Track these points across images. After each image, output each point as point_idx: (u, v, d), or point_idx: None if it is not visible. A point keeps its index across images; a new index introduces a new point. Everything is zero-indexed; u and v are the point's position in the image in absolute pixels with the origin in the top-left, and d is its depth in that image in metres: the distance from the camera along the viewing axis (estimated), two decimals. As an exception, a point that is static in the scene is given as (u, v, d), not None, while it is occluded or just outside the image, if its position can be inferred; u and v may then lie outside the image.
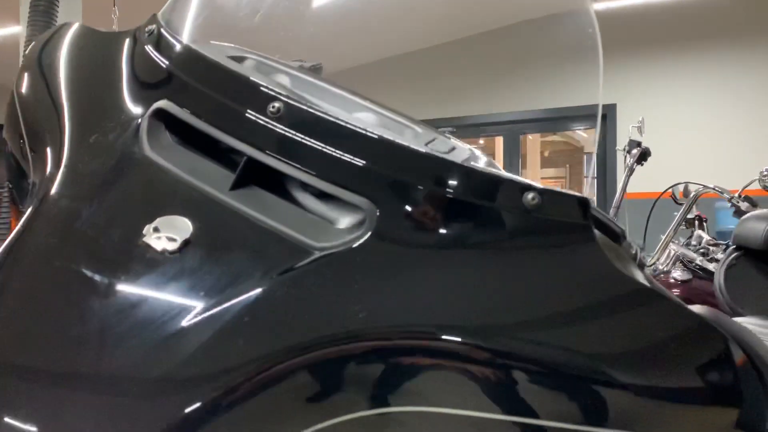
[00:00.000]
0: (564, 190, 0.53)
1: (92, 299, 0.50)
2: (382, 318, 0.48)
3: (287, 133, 0.55)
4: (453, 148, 0.65)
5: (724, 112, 5.12)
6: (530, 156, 11.23)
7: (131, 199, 0.58)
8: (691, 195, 2.54)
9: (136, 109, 0.64)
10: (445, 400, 0.48)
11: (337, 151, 0.53)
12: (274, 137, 0.55)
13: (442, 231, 0.52)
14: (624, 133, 5.27)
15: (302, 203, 0.57)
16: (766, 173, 2.40)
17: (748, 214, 1.48)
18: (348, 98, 0.72)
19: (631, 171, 2.64)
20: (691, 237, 2.86)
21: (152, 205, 0.56)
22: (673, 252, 2.54)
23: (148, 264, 0.51)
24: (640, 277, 0.56)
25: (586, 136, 9.88)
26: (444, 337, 0.47)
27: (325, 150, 0.54)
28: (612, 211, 2.72)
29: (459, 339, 0.47)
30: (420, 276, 0.50)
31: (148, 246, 0.51)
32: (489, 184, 0.53)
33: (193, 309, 0.48)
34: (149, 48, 0.67)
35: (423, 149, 0.54)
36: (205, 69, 0.61)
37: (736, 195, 2.50)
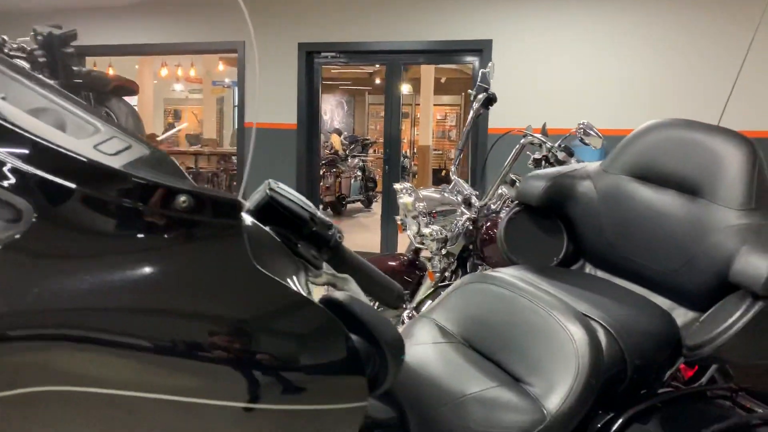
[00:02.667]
0: (217, 193, 0.61)
1: None
2: (21, 306, 0.53)
3: None
4: (126, 148, 0.67)
5: (604, 49, 5.33)
6: (424, 83, 11.38)
7: None
8: (520, 143, 2.73)
9: None
10: (83, 379, 0.55)
11: None
12: None
13: (98, 231, 0.57)
14: (501, 69, 5.48)
15: None
16: (581, 126, 2.65)
17: (530, 173, 1.63)
18: (25, 87, 0.71)
19: (476, 114, 2.76)
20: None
21: None
22: (505, 193, 2.73)
23: None
24: (291, 270, 0.68)
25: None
26: (77, 325, 0.54)
27: None
28: (456, 153, 2.88)
29: (93, 326, 0.55)
30: (69, 272, 0.55)
31: None
32: (142, 188, 0.58)
33: None
34: None
35: (78, 152, 0.57)
36: None
37: (556, 145, 2.72)
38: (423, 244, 2.67)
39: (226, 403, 0.59)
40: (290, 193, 0.77)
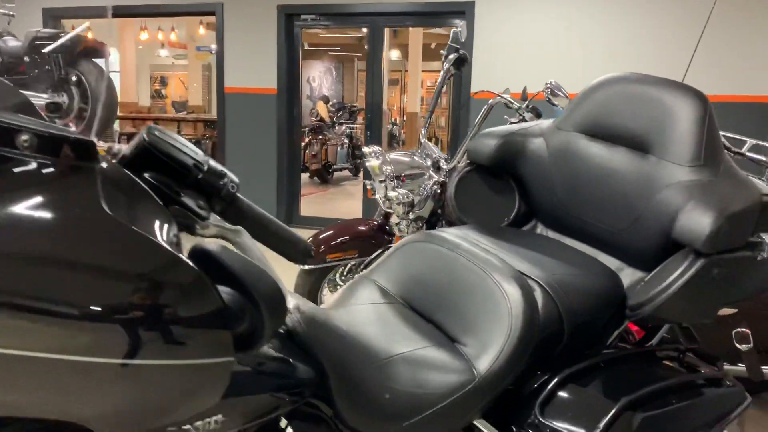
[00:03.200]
0: (66, 134, 0.57)
1: None
2: None
3: None
4: None
5: (588, 12, 5.22)
6: (412, 49, 11.18)
7: None
8: (488, 103, 2.67)
9: None
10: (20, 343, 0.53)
11: None
12: None
13: None
14: (483, 32, 5.37)
15: None
16: (548, 86, 2.59)
17: (481, 132, 1.58)
18: None
19: (447, 75, 2.69)
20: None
21: None
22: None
23: None
24: (159, 219, 0.64)
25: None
26: None
27: None
28: (426, 115, 2.82)
29: None
30: None
31: None
32: None
33: None
34: None
35: None
36: None
37: (523, 106, 2.67)
38: (391, 208, 2.63)
39: (88, 360, 0.56)
40: (173, 139, 0.71)
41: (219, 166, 0.74)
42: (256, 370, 0.85)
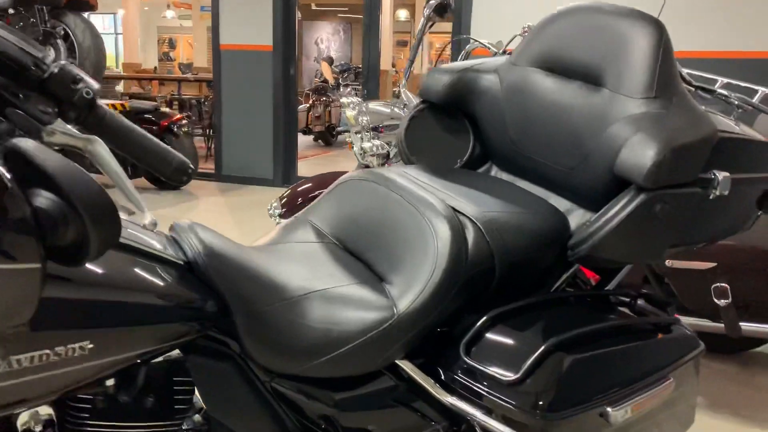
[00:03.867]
0: None
1: None
2: None
3: None
4: None
5: None
6: (419, 8, 10.91)
7: None
8: (464, 49, 2.58)
9: None
10: None
11: None
12: None
13: None
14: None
15: None
16: (525, 29, 2.48)
17: (434, 68, 1.49)
18: None
19: (428, 21, 2.58)
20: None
21: None
22: None
23: None
24: None
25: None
26: None
27: None
28: (407, 63, 2.72)
29: None
30: None
31: None
32: None
33: None
34: None
35: None
36: None
37: (500, 51, 2.56)
38: (366, 160, 2.56)
39: None
40: (13, 36, 0.65)
41: (75, 70, 0.67)
42: (134, 297, 0.80)
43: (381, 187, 1.19)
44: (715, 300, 2.10)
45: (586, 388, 1.02)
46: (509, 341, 1.04)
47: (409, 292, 1.02)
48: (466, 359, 1.00)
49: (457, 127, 1.48)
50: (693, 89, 1.37)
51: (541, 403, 0.96)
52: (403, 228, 1.11)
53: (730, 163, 1.20)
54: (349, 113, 2.51)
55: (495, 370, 0.98)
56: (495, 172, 1.47)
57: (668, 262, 2.10)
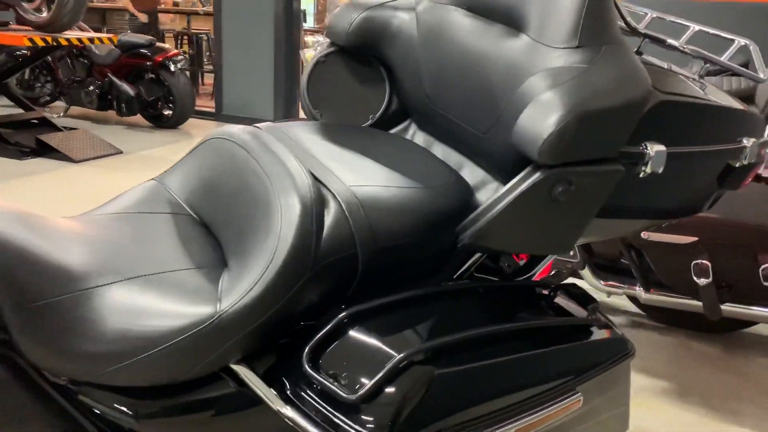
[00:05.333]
0: None
1: None
2: None
3: None
4: None
5: None
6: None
7: None
8: None
9: None
10: None
11: None
12: None
13: None
14: None
15: None
16: None
17: (342, 5, 1.24)
18: None
19: None
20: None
21: None
22: None
23: None
24: None
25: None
26: None
27: None
28: None
29: None
30: None
31: None
32: None
33: None
34: None
35: None
36: None
37: None
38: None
39: None
40: None
41: None
42: None
43: (242, 151, 0.98)
44: (695, 278, 1.87)
45: (451, 410, 0.83)
46: (361, 348, 0.85)
47: (239, 285, 0.83)
48: (307, 368, 0.82)
49: (371, 75, 1.25)
50: (642, 38, 1.11)
51: (388, 429, 0.78)
52: (255, 202, 0.91)
53: (677, 134, 0.97)
54: (308, 54, 2.27)
55: (336, 385, 0.80)
56: (413, 131, 1.24)
57: (644, 234, 1.86)
